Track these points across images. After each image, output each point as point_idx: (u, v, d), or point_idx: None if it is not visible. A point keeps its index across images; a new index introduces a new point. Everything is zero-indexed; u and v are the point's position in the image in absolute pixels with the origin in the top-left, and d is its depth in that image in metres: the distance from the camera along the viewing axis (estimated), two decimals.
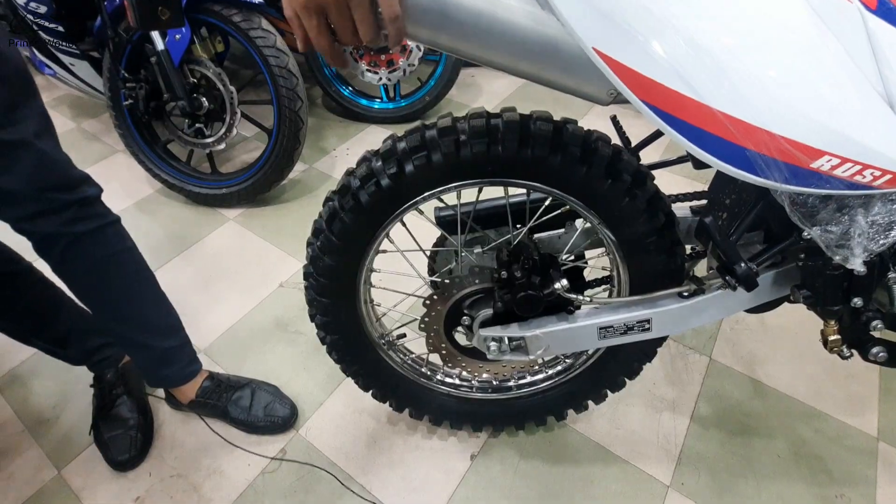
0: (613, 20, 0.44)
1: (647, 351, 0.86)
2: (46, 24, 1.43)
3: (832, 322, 0.68)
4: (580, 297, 0.71)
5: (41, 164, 0.70)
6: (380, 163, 0.70)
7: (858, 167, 0.50)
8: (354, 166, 0.75)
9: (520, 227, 0.81)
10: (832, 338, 0.69)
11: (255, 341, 1.24)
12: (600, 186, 0.67)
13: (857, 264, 0.58)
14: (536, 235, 0.88)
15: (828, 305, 0.65)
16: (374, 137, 1.92)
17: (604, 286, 0.87)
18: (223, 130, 1.47)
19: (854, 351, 0.71)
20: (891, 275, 0.66)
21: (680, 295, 0.70)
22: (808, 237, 0.58)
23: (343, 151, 1.85)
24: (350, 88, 1.97)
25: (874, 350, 0.69)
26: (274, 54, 1.35)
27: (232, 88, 1.42)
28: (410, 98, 1.96)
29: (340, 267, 0.79)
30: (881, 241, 0.58)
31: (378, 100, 1.97)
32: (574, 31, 0.45)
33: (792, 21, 0.45)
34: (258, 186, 1.55)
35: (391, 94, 1.97)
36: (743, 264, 0.59)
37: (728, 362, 1.16)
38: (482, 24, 0.48)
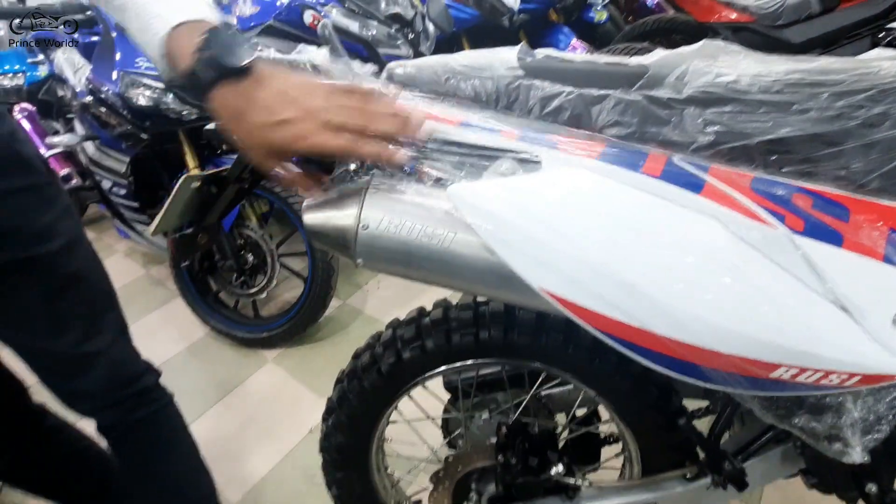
0: (553, 267, 0.50)
1: None
2: (125, 202, 1.70)
3: None
4: (578, 482, 0.71)
5: (114, 367, 0.81)
6: (381, 350, 0.77)
7: (820, 373, 0.51)
8: (362, 348, 0.82)
9: (527, 391, 0.84)
10: None
11: (284, 496, 1.26)
12: (589, 365, 0.70)
13: (857, 456, 0.56)
14: (545, 392, 0.89)
15: (840, 492, 0.61)
16: None
17: (617, 454, 0.85)
18: (264, 282, 1.63)
19: None
20: None
21: (684, 477, 0.68)
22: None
23: (375, 286, 1.97)
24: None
25: None
26: None
27: (273, 246, 1.60)
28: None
29: (352, 443, 0.84)
30: (882, 429, 0.56)
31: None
32: (521, 276, 0.51)
33: (721, 251, 0.50)
34: (294, 329, 1.66)
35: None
36: (727, 463, 0.58)
37: None
38: (443, 261, 0.55)
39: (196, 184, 0.66)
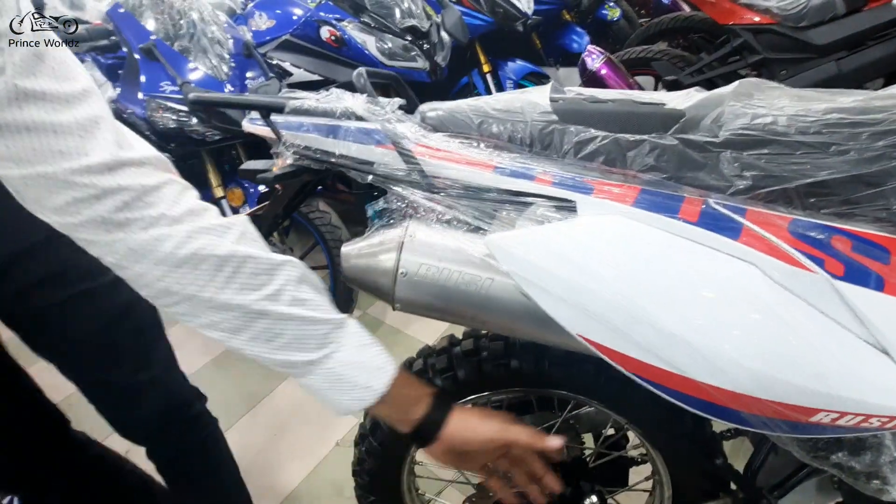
0: (590, 313, 0.51)
1: None
2: None
3: None
4: None
5: (167, 395, 0.84)
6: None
7: (860, 417, 0.50)
8: None
9: (556, 414, 0.85)
10: None
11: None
12: (622, 396, 0.71)
13: (895, 495, 0.56)
14: (575, 412, 0.90)
15: None
16: None
17: (646, 477, 0.86)
18: None
19: None
20: None
21: None
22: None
23: None
24: None
25: None
26: (329, 230, 1.55)
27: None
28: None
29: (384, 468, 0.85)
30: None
31: None
32: (559, 323, 0.52)
33: (759, 297, 0.50)
34: None
35: None
36: (763, 501, 0.58)
37: None
38: (481, 305, 0.56)
39: None
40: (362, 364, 0.50)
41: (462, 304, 0.55)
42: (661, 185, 0.54)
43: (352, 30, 1.73)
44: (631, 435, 0.89)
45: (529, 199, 0.55)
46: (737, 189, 0.52)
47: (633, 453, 0.88)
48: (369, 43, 1.73)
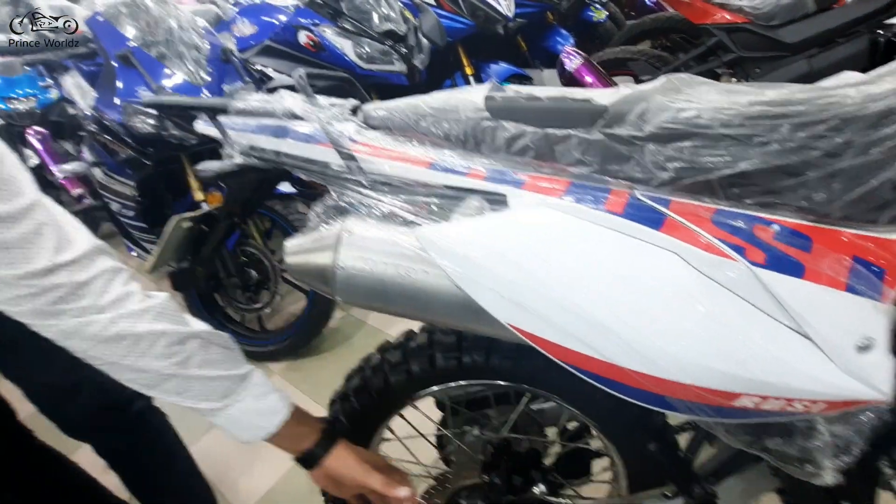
0: (519, 303, 0.52)
1: None
2: (133, 222, 1.75)
3: None
4: (561, 502, 0.72)
5: (102, 394, 0.86)
6: (370, 373, 0.80)
7: (783, 401, 0.52)
8: (353, 371, 0.85)
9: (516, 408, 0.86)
10: None
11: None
12: (571, 387, 0.72)
13: (829, 478, 0.57)
14: (536, 407, 0.91)
15: None
16: None
17: (604, 468, 0.87)
18: (269, 297, 1.67)
19: None
20: (886, 469, 0.63)
21: (664, 495, 0.70)
22: None
23: None
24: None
25: None
26: None
27: (276, 262, 1.64)
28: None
29: None
30: (854, 451, 0.57)
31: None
32: (490, 313, 0.53)
33: (681, 285, 0.51)
34: (299, 342, 1.70)
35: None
36: (698, 487, 0.59)
37: None
38: (417, 297, 0.57)
39: (187, 224, 0.69)
40: (259, 410, 0.62)
41: (399, 296, 0.57)
42: (589, 179, 0.55)
43: (330, 35, 1.75)
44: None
45: (463, 194, 0.56)
46: (661, 181, 0.54)
47: (595, 445, 0.89)
48: (347, 47, 1.75)
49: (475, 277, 0.53)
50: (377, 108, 0.63)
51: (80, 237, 0.54)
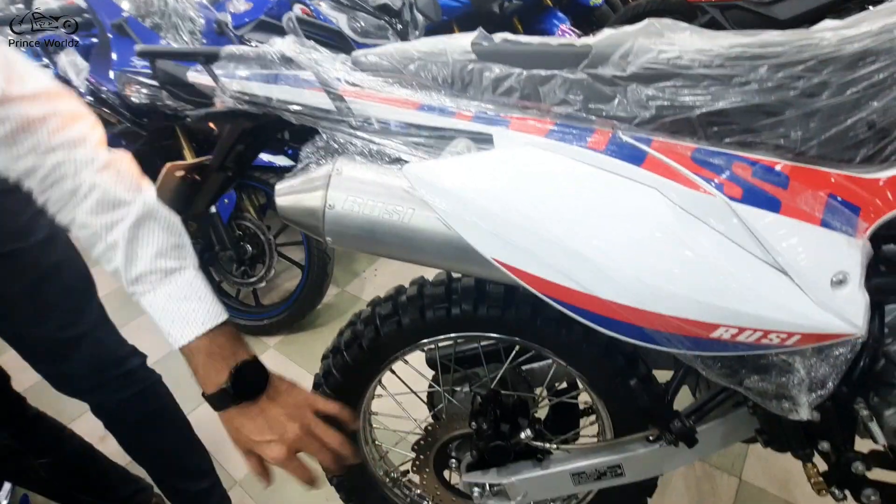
0: (504, 238, 0.54)
1: (639, 493, 0.85)
2: None
3: (810, 464, 0.66)
4: (547, 445, 0.74)
5: (97, 350, 0.87)
6: (361, 327, 0.81)
7: (759, 333, 0.53)
8: (345, 326, 0.86)
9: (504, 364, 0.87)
10: (814, 480, 0.66)
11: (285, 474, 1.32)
12: (558, 336, 0.74)
13: (805, 413, 0.59)
14: (526, 367, 0.93)
15: (794, 450, 0.64)
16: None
17: (591, 422, 0.89)
18: (263, 272, 1.68)
19: (847, 492, 0.68)
20: (862, 411, 0.65)
21: (647, 439, 0.72)
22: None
23: (372, 273, 2.01)
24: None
25: (866, 492, 0.66)
26: None
27: (271, 236, 1.65)
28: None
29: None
30: (828, 386, 0.59)
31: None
32: (475, 247, 0.55)
33: (660, 218, 0.53)
34: (294, 316, 1.72)
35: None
36: (678, 422, 0.61)
37: (761, 483, 1.09)
38: (404, 236, 0.59)
39: (180, 173, 0.70)
40: (171, 313, 0.56)
41: (387, 236, 0.58)
42: (573, 118, 0.57)
43: (325, 8, 1.75)
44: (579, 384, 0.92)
45: (450, 134, 0.58)
46: (642, 119, 0.55)
47: (583, 400, 0.91)
48: (342, 21, 1.75)
49: (461, 213, 0.54)
50: (367, 54, 0.64)
51: (37, 76, 0.54)
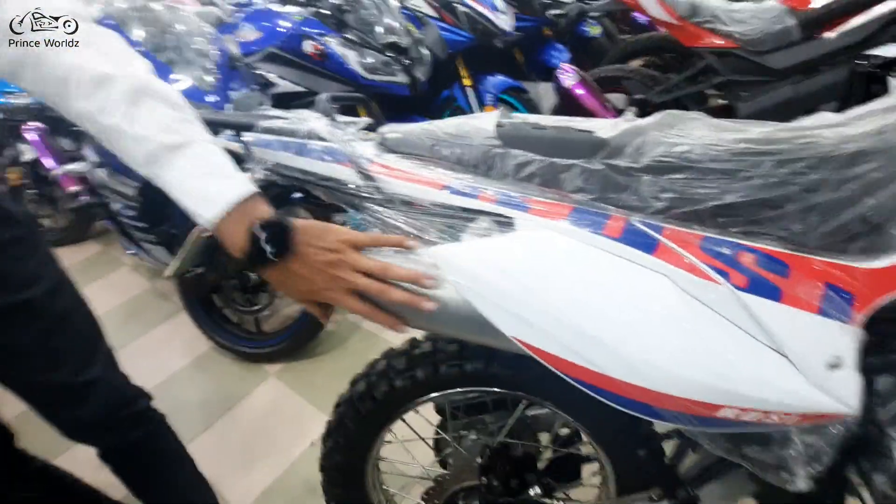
0: (523, 318, 0.57)
1: None
2: (133, 222, 1.77)
3: None
4: (553, 503, 0.77)
5: (111, 392, 0.89)
6: (376, 379, 0.84)
7: (761, 413, 0.57)
8: (359, 376, 0.89)
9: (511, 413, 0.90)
10: None
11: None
12: (566, 395, 0.77)
13: (802, 484, 0.63)
14: (531, 413, 0.96)
15: None
16: None
17: (594, 473, 0.92)
18: (267, 300, 1.70)
19: None
20: (853, 478, 0.69)
21: (650, 499, 0.75)
22: None
23: None
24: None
25: None
26: None
27: None
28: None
29: (350, 463, 0.90)
30: (824, 460, 0.63)
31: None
32: (496, 326, 0.58)
33: (670, 305, 0.56)
34: (295, 344, 1.73)
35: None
36: (682, 491, 0.64)
37: None
38: (430, 311, 0.62)
39: (207, 234, 0.72)
40: (190, 190, 0.55)
41: (412, 309, 0.61)
42: (589, 205, 0.60)
43: (334, 45, 1.79)
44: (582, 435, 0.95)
45: (473, 216, 0.61)
46: (655, 209, 0.59)
47: (585, 450, 0.94)
48: (351, 57, 1.79)
49: (484, 293, 0.57)
50: (392, 131, 0.67)
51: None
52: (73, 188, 2.19)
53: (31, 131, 2.41)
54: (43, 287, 0.81)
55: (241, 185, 0.56)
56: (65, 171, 1.86)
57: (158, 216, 1.75)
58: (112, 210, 1.83)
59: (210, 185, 0.55)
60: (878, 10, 1.36)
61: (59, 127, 2.62)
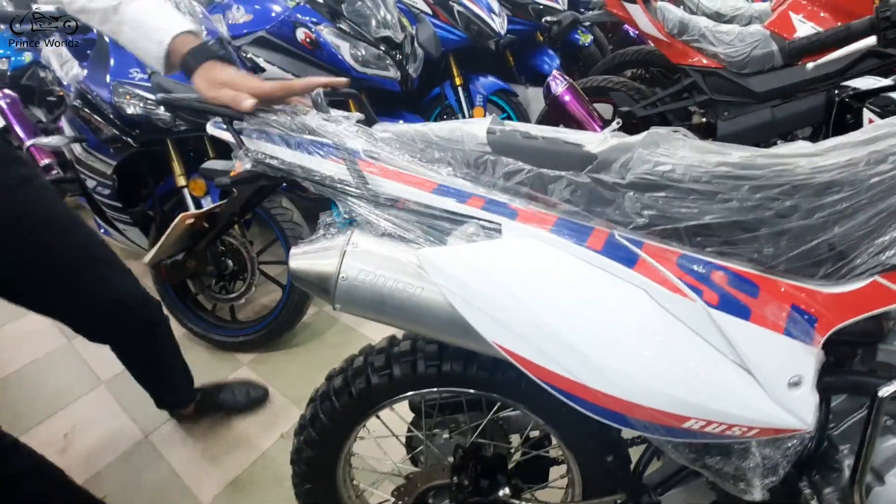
0: (504, 324, 0.58)
1: None
2: (108, 201, 1.72)
3: None
4: None
5: (127, 277, 1.22)
6: (353, 375, 0.84)
7: (724, 426, 0.60)
8: (335, 371, 0.89)
9: (484, 414, 0.92)
10: None
11: (254, 499, 1.32)
12: (539, 399, 0.79)
13: (758, 495, 0.66)
14: (503, 415, 0.98)
15: None
16: None
17: (562, 475, 0.94)
18: (244, 288, 1.67)
19: None
20: (805, 490, 0.73)
21: (615, 503, 0.77)
22: None
23: None
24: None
25: None
26: (290, 227, 1.58)
27: (254, 254, 1.65)
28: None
29: (321, 458, 0.90)
30: (779, 472, 0.66)
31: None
32: (477, 330, 0.59)
33: (646, 318, 0.58)
34: (270, 335, 1.71)
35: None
36: (646, 496, 0.67)
37: None
38: (411, 311, 0.62)
39: (190, 221, 0.71)
40: (143, 27, 0.71)
41: (395, 309, 0.62)
42: (575, 216, 0.62)
43: (327, 34, 1.77)
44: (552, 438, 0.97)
45: (461, 219, 0.62)
46: (636, 225, 0.61)
47: (553, 453, 0.97)
48: (343, 48, 1.78)
49: (467, 297, 0.58)
50: (384, 131, 0.68)
51: None
52: (46, 161, 2.11)
53: (2, 98, 2.31)
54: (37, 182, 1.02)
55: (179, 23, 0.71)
56: (36, 144, 1.79)
57: (134, 196, 1.70)
58: (87, 188, 1.77)
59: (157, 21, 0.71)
60: (855, 46, 1.43)
61: (31, 96, 2.52)
